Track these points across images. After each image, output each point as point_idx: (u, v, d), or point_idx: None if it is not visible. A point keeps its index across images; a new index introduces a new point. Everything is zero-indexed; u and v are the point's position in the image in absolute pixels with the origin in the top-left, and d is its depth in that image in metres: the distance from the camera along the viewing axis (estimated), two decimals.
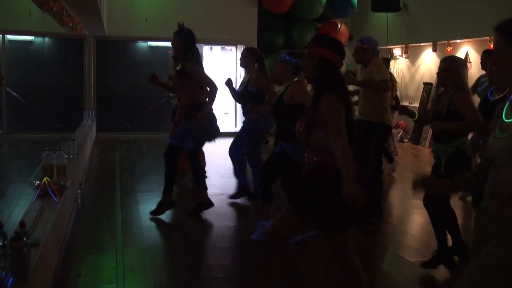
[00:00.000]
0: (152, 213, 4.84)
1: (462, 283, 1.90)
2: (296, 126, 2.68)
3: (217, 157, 7.67)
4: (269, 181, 4.23)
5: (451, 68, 3.60)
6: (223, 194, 5.78)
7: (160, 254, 3.91)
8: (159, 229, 4.50)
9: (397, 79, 11.12)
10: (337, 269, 2.72)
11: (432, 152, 3.86)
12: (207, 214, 4.96)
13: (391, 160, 7.01)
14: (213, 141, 4.98)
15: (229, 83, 5.30)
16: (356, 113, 4.97)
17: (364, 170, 2.67)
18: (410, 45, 10.28)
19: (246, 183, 5.65)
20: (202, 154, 6.68)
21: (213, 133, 4.89)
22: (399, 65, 11.03)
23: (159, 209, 4.85)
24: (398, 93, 11.19)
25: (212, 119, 4.82)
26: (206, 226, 4.68)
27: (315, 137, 2.54)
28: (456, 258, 3.73)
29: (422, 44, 9.96)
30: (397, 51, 10.96)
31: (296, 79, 4.10)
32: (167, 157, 4.83)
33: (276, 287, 3.37)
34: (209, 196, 5.50)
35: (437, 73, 3.74)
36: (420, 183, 2.13)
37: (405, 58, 10.78)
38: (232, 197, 5.66)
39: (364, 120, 4.84)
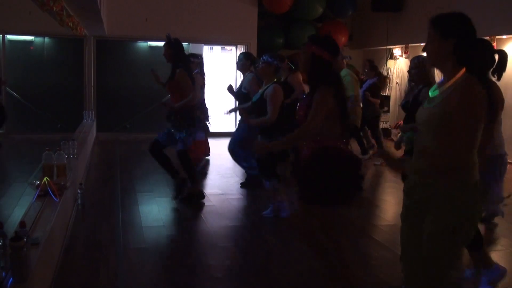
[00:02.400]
0: (177, 198, 5.28)
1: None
2: (297, 111, 3.04)
3: (217, 157, 7.67)
4: (268, 169, 4.74)
5: (419, 66, 4.14)
6: (223, 194, 5.79)
7: (160, 254, 3.91)
8: (159, 229, 4.50)
9: (397, 79, 11.14)
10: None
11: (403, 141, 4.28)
12: (207, 214, 4.97)
13: (366, 152, 7.96)
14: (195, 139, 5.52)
15: (229, 88, 5.83)
16: None
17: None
18: (410, 45, 10.27)
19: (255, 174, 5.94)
20: (205, 143, 6.91)
21: (204, 132, 5.50)
22: (399, 65, 11.03)
23: (178, 191, 5.30)
24: (395, 92, 11.23)
25: (201, 120, 5.39)
26: (206, 226, 4.68)
27: None
28: None
29: (422, 44, 9.90)
30: (397, 51, 10.96)
31: (276, 79, 4.59)
32: (153, 152, 5.23)
33: (276, 287, 3.37)
34: (208, 196, 5.54)
35: (408, 71, 4.31)
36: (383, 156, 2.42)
37: (405, 58, 10.78)
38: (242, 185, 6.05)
39: None
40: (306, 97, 3.02)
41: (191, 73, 5.28)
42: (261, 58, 4.64)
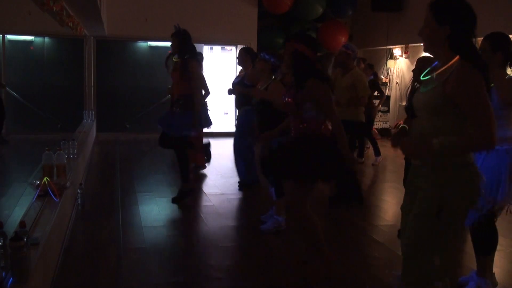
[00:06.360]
0: (174, 200, 5.22)
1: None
2: (284, 98, 3.23)
3: (217, 157, 7.67)
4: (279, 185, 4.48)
5: (425, 67, 4.09)
6: (223, 194, 5.78)
7: (160, 254, 3.91)
8: (159, 229, 4.50)
9: (397, 79, 11.15)
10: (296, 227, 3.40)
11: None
12: (207, 214, 4.97)
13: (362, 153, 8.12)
14: (207, 128, 5.53)
15: (230, 92, 5.80)
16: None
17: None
18: (410, 45, 10.28)
19: (247, 175, 5.95)
20: (200, 150, 6.88)
21: (206, 122, 5.41)
22: (399, 65, 11.04)
23: (180, 196, 5.23)
24: (395, 92, 11.23)
25: (204, 111, 5.35)
26: (206, 226, 4.68)
27: (304, 108, 3.13)
28: None
29: (422, 44, 9.94)
30: (397, 51, 10.97)
31: (274, 77, 4.54)
32: (163, 145, 5.21)
33: (276, 287, 3.37)
34: (208, 196, 5.55)
35: (412, 70, 4.35)
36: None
37: (405, 58, 10.79)
38: (240, 187, 5.98)
39: (345, 120, 5.33)
40: (290, 90, 3.24)
41: (200, 65, 5.35)
42: (260, 55, 4.63)
